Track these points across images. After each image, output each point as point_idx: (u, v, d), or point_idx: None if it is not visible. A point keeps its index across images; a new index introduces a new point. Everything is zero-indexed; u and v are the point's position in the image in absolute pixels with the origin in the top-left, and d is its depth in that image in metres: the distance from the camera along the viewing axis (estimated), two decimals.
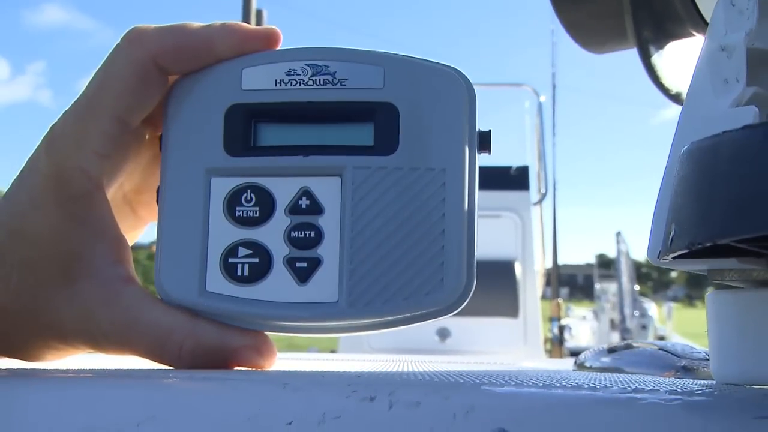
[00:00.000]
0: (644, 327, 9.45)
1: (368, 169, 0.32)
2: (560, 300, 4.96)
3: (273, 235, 0.32)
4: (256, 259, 0.32)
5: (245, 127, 0.33)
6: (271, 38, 0.34)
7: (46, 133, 0.33)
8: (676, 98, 0.43)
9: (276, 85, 0.33)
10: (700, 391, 0.23)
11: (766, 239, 0.22)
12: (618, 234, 8.90)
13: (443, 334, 2.89)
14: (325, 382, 0.23)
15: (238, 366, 0.32)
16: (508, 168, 3.39)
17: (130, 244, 0.35)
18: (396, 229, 0.31)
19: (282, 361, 0.37)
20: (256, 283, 0.32)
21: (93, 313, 0.32)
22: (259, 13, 6.28)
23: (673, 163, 0.25)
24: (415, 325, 0.32)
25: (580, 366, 0.48)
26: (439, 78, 0.33)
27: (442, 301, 0.31)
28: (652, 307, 10.53)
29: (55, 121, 0.33)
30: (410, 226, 0.31)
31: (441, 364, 0.53)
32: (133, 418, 0.22)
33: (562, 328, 4.65)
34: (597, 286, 11.82)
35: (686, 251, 0.22)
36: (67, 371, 0.28)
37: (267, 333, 0.33)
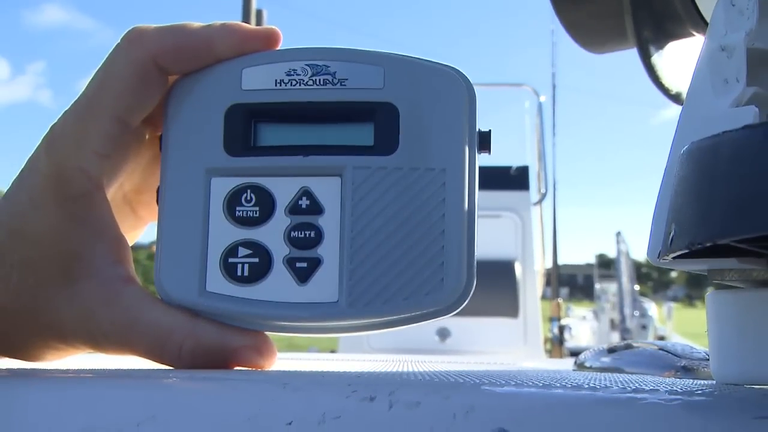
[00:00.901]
0: (644, 327, 9.44)
1: (368, 169, 0.32)
2: (560, 300, 4.95)
3: (273, 235, 0.32)
4: (256, 259, 0.32)
5: (245, 127, 0.33)
6: (271, 38, 0.34)
7: (46, 133, 0.33)
8: (676, 98, 0.43)
9: (276, 85, 0.33)
10: (700, 391, 0.23)
11: (766, 239, 0.22)
12: (618, 234, 8.90)
13: (443, 334, 2.89)
14: (325, 382, 0.23)
15: (238, 366, 0.32)
16: (508, 168, 3.39)
17: (130, 244, 0.35)
18: (396, 229, 0.31)
19: (282, 361, 0.37)
20: (256, 283, 0.32)
21: (93, 313, 0.32)
22: (259, 13, 6.28)
23: (673, 163, 0.25)
24: (415, 325, 0.32)
25: (580, 366, 0.48)
26: (439, 78, 0.33)
27: (442, 301, 0.31)
28: (652, 307, 10.52)
29: (55, 121, 0.33)
30: (410, 226, 0.31)
31: (441, 364, 0.53)
32: (133, 418, 0.22)
33: (562, 328, 4.65)
34: (597, 286, 11.82)
35: (686, 251, 0.22)
36: (67, 371, 0.28)
37: (267, 333, 0.33)
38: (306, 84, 0.33)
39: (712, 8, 0.29)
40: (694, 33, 0.41)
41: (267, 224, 0.32)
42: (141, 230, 0.39)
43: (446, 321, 2.71)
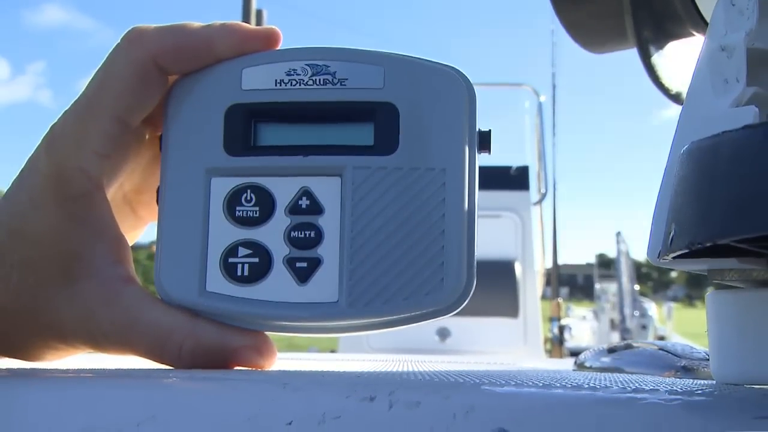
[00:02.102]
0: (644, 327, 9.45)
1: (368, 169, 0.32)
2: (560, 300, 4.95)
3: (273, 235, 0.32)
4: (256, 259, 0.32)
5: (245, 127, 0.33)
6: (271, 38, 0.34)
7: (46, 133, 0.33)
8: (676, 98, 0.43)
9: (276, 85, 0.33)
10: (700, 391, 0.23)
11: (766, 239, 0.22)
12: (618, 234, 8.90)
13: (443, 334, 2.89)
14: (325, 382, 0.23)
15: (238, 366, 0.32)
16: (508, 168, 3.39)
17: (130, 244, 0.35)
18: (396, 229, 0.31)
19: (282, 361, 0.37)
20: (256, 283, 0.32)
21: (93, 313, 0.32)
22: (259, 13, 6.28)
23: (673, 163, 0.25)
24: (415, 325, 0.32)
25: (580, 366, 0.48)
26: (439, 78, 0.33)
27: (442, 301, 0.31)
28: (652, 307, 10.52)
29: (55, 121, 0.33)
30: (410, 226, 0.31)
31: (441, 364, 0.53)
32: (133, 418, 0.22)
33: (562, 328, 4.64)
34: (597, 286, 11.82)
35: (686, 251, 0.22)
36: (67, 371, 0.28)
37: (267, 333, 0.33)
38: (306, 84, 0.33)
39: (712, 8, 0.29)
40: (694, 33, 0.41)
41: (267, 224, 0.32)
42: (141, 230, 0.39)
43: (446, 321, 2.71)
